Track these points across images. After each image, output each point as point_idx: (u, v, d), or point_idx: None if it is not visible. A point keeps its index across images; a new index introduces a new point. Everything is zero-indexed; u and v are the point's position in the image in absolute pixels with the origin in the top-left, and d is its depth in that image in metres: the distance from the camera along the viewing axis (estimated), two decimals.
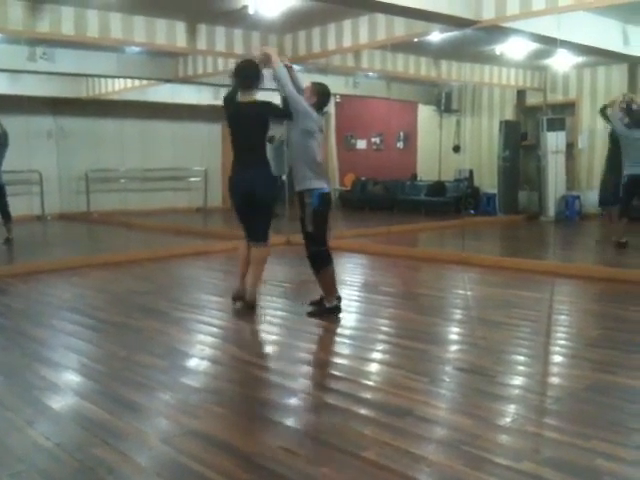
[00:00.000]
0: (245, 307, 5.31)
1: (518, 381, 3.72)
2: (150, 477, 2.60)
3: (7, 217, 9.02)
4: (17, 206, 8.69)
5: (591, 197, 11.05)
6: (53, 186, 12.68)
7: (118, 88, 12.07)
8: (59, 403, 3.40)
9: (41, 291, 6.49)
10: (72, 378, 3.85)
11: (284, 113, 5.14)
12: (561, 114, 12.48)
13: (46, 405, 3.34)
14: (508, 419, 3.10)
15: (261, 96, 5.32)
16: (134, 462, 2.70)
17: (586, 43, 8.26)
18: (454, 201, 13.19)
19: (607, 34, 8.48)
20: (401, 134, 15.46)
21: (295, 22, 8.50)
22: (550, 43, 8.02)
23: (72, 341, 4.60)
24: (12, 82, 11.06)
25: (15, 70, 10.16)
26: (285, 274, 7.10)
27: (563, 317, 5.38)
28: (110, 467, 2.63)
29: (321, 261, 5.06)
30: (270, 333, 4.94)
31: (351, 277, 7.37)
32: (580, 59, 10.64)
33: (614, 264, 7.50)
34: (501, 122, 13.06)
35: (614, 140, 8.70)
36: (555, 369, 4.01)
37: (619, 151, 8.41)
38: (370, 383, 3.69)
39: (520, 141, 13.16)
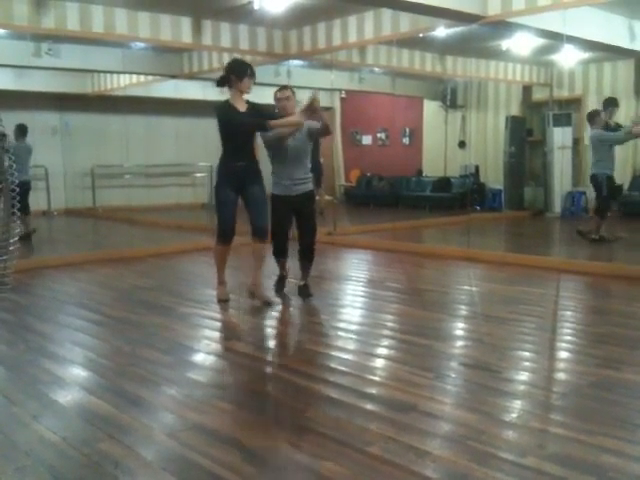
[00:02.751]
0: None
1: (523, 377, 3.71)
2: (156, 471, 2.61)
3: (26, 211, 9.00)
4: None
5: None
6: (59, 182, 12.72)
7: (123, 84, 12.07)
8: (65, 397, 3.41)
9: (47, 286, 6.52)
10: (78, 373, 3.86)
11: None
12: (567, 110, 12.44)
13: (52, 399, 3.36)
14: (513, 415, 3.09)
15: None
16: (140, 456, 2.71)
17: (592, 39, 8.23)
18: (459, 197, 13.16)
19: (613, 30, 8.45)
20: (406, 130, 15.45)
21: (300, 17, 8.49)
22: (556, 39, 8.01)
23: (78, 336, 4.62)
24: (17, 78, 11.08)
25: (20, 66, 10.17)
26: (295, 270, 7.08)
27: (568, 313, 5.36)
28: (116, 461, 2.63)
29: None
30: (275, 328, 4.95)
31: (356, 273, 7.38)
32: (586, 55, 10.60)
33: (619, 260, 7.48)
34: (507, 118, 13.03)
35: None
36: (560, 365, 4.01)
37: None
38: (375, 378, 3.69)
39: (526, 137, 13.13)
